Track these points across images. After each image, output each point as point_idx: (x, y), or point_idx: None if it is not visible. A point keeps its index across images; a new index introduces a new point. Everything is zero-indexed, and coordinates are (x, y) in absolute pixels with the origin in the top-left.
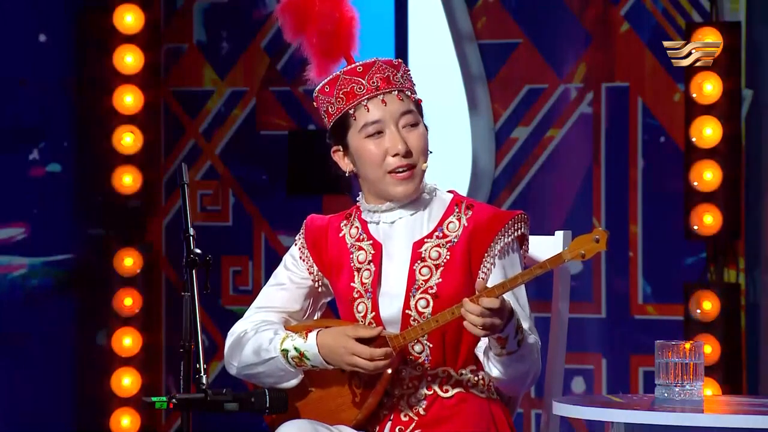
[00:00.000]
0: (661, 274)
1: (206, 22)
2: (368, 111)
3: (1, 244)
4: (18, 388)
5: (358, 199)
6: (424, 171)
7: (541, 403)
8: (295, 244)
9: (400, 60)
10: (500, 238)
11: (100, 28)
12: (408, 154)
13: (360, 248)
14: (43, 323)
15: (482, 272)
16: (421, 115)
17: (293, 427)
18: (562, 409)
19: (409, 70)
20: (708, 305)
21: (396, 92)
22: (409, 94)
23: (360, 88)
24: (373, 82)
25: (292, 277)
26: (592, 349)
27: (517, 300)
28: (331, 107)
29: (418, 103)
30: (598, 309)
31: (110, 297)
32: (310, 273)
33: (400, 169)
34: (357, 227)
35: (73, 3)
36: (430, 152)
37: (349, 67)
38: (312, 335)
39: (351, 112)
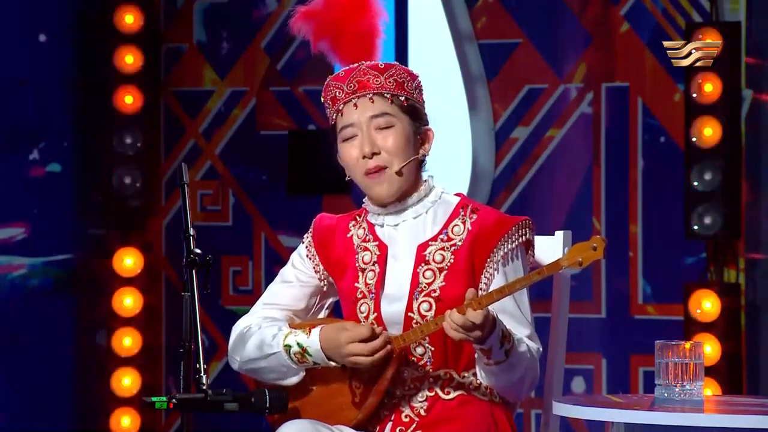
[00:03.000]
0: (661, 274)
1: (206, 22)
2: (342, 116)
3: (1, 244)
4: (18, 388)
5: (364, 200)
6: (399, 172)
7: (541, 403)
8: (303, 243)
9: (392, 63)
10: (504, 244)
11: (100, 28)
12: (375, 155)
13: (366, 249)
14: (43, 323)
15: (485, 277)
16: (416, 118)
17: (294, 428)
18: (562, 409)
19: (402, 73)
20: (708, 305)
21: (370, 95)
22: (388, 96)
23: (339, 93)
24: (351, 86)
25: (298, 275)
26: (592, 349)
27: (519, 307)
28: (327, 113)
29: (403, 105)
30: (598, 309)
31: (110, 297)
32: (316, 272)
33: (370, 171)
34: (364, 228)
35: (73, 3)
36: (426, 155)
37: (335, 73)
38: (315, 331)
39: (334, 117)
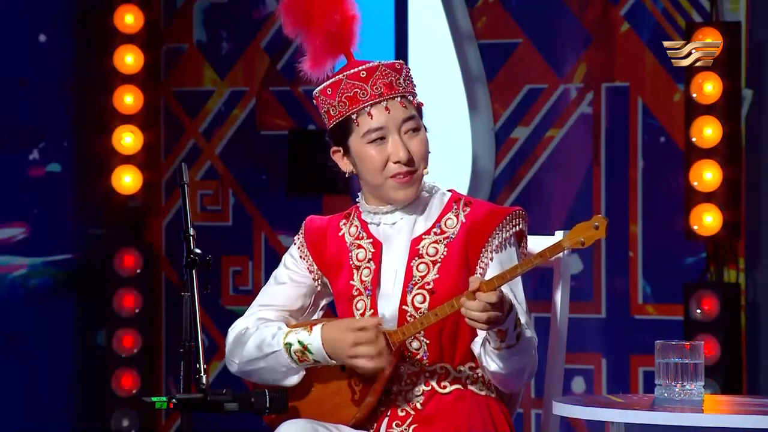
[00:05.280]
0: (661, 274)
1: (206, 22)
2: (371, 118)
3: (1, 244)
4: (18, 388)
5: (357, 199)
6: (423, 176)
7: (541, 403)
8: (294, 244)
9: (402, 62)
10: (498, 234)
11: (100, 28)
12: (410, 161)
13: (359, 246)
14: (43, 323)
15: (480, 267)
16: (421, 118)
17: (293, 427)
18: (562, 409)
19: (410, 72)
20: (708, 305)
21: (399, 98)
22: (411, 99)
23: (363, 94)
24: (377, 88)
25: (292, 275)
26: (592, 349)
27: (515, 295)
28: (333, 110)
29: (419, 107)
30: (598, 309)
31: (110, 297)
32: (310, 272)
33: (401, 175)
34: (356, 226)
35: (73, 3)
36: (429, 152)
37: (352, 71)
38: (317, 328)
39: (353, 117)
